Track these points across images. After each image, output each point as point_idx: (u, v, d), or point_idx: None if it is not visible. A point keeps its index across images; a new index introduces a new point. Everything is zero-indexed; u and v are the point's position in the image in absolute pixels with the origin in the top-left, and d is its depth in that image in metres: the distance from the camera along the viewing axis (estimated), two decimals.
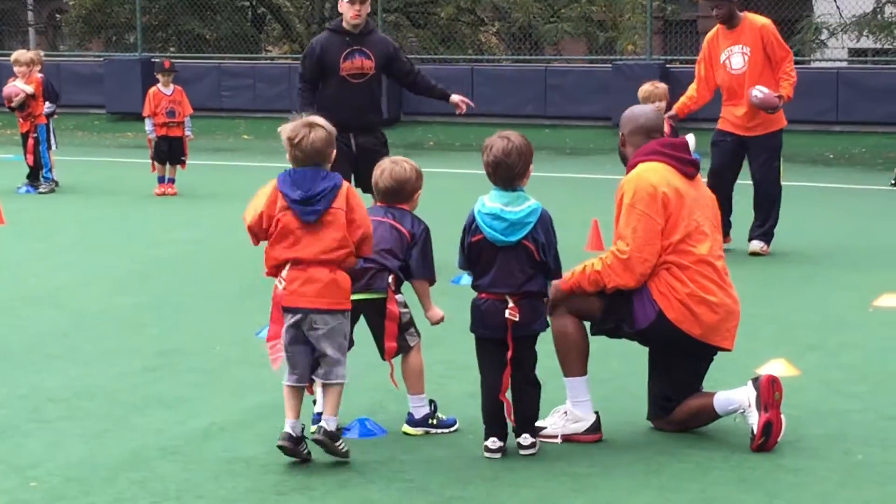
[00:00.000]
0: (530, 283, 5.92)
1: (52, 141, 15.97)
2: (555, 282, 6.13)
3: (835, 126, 20.89)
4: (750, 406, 6.00)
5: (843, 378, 7.29)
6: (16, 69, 15.71)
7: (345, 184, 5.85)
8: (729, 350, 6.29)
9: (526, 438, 5.98)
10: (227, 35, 28.42)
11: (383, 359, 6.26)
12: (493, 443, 5.96)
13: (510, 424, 5.99)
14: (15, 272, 10.73)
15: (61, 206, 14.82)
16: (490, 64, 25.79)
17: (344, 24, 10.20)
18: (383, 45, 10.38)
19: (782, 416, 5.99)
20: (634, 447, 6.12)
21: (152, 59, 23.53)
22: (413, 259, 6.23)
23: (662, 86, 11.63)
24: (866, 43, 24.28)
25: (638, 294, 6.13)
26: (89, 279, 10.36)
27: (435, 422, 6.32)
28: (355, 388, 6.87)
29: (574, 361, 6.22)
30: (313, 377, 5.88)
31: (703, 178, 6.47)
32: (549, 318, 6.13)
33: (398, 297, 6.21)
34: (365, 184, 10.06)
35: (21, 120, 15.91)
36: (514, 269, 5.91)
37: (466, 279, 9.78)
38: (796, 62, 12.01)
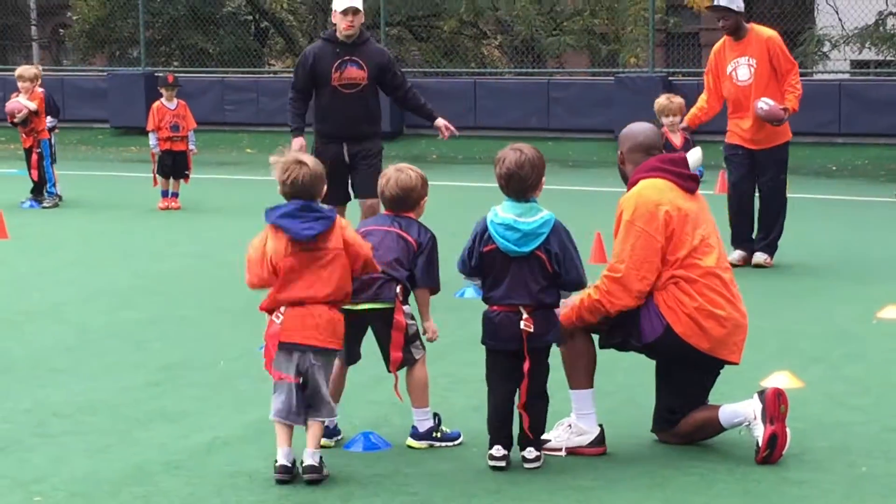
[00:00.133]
0: (543, 293, 5.93)
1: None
2: (559, 311, 6.08)
3: (837, 138, 20.86)
4: (755, 419, 5.99)
5: (846, 390, 7.28)
6: (20, 84, 15.66)
7: (338, 219, 5.90)
8: (736, 364, 6.29)
9: (531, 452, 5.97)
10: (230, 49, 28.45)
11: (388, 370, 6.27)
12: (497, 451, 5.95)
13: (515, 437, 5.98)
14: (19, 287, 10.73)
15: (65, 220, 14.79)
16: (493, 77, 25.77)
17: (337, 35, 9.94)
18: (377, 56, 10.07)
19: (788, 430, 5.99)
20: (639, 460, 6.11)
21: (156, 74, 23.54)
22: (418, 267, 6.24)
23: (678, 100, 11.54)
24: (868, 55, 24.28)
25: (645, 308, 6.12)
26: (93, 294, 10.36)
27: (439, 435, 6.32)
28: (359, 401, 6.87)
29: (581, 374, 6.22)
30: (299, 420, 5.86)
31: (702, 192, 6.47)
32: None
33: (405, 307, 6.22)
34: (359, 190, 9.93)
35: (24, 135, 15.87)
36: (527, 280, 5.91)
37: (470, 292, 9.83)
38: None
